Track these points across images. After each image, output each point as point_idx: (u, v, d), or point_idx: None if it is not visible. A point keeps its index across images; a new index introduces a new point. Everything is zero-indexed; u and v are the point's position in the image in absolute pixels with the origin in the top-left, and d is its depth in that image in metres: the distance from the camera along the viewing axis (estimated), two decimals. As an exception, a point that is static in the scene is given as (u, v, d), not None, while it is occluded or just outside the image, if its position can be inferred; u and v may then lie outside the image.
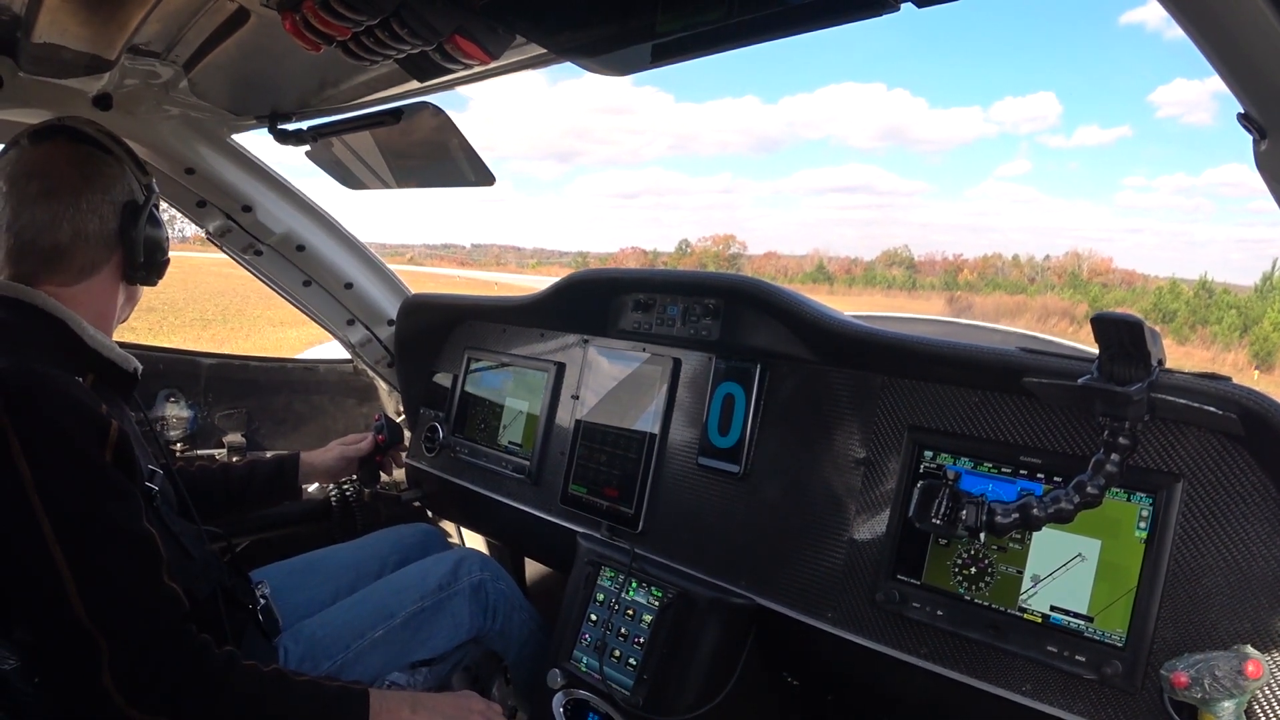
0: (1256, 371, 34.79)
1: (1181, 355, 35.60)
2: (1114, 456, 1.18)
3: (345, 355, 2.93)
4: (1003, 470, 1.46)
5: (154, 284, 1.58)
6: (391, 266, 2.76)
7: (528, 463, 2.26)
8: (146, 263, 1.51)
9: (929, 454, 1.55)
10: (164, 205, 1.94)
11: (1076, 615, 1.35)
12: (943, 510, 1.26)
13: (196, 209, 2.34)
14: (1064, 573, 1.37)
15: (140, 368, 1.54)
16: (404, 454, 2.59)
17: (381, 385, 2.96)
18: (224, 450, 2.63)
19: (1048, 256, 78.58)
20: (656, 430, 1.98)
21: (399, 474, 2.67)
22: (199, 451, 2.59)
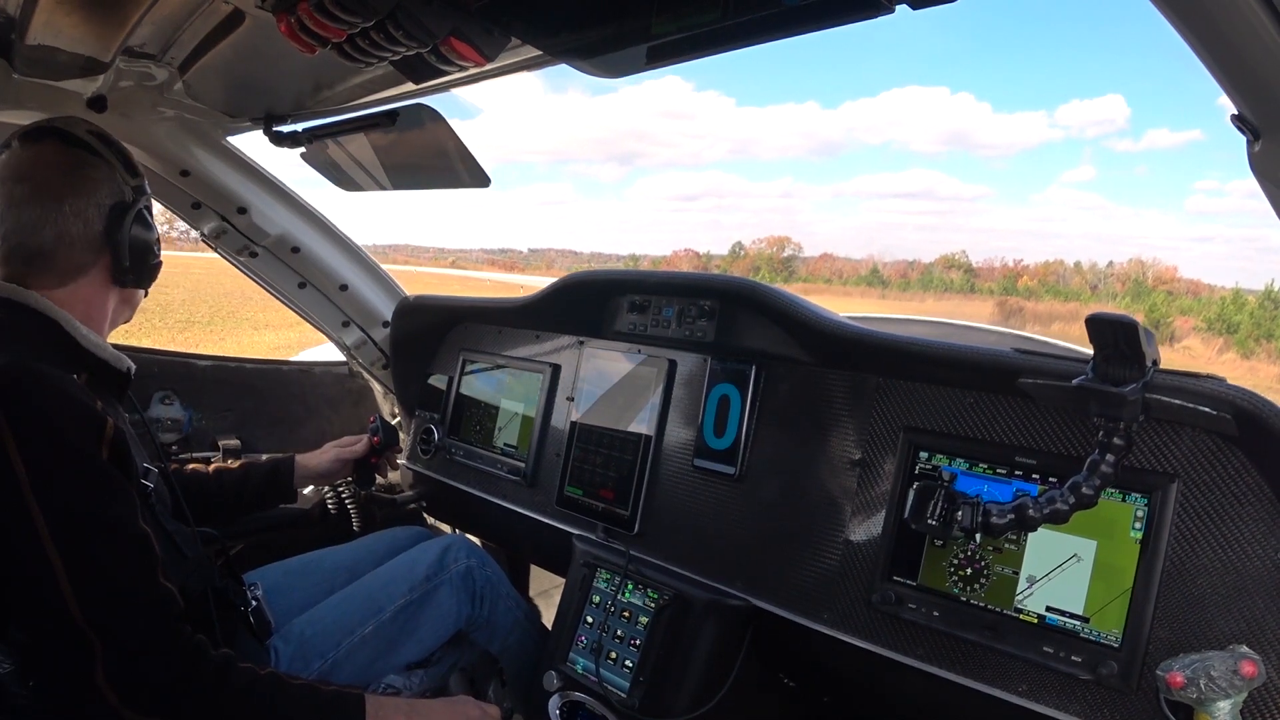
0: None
1: (1245, 371, 33.80)
2: (1109, 457, 1.19)
3: (341, 357, 2.93)
4: (998, 471, 1.46)
5: (145, 287, 1.56)
6: (409, 268, 2.75)
7: (523, 465, 2.26)
8: (134, 266, 1.48)
9: (924, 455, 1.55)
10: (159, 207, 1.93)
11: (1072, 616, 1.35)
12: (938, 511, 1.26)
13: (191, 211, 2.34)
14: (1059, 573, 1.37)
15: (133, 367, 1.53)
16: (399, 456, 2.58)
17: (377, 387, 2.96)
18: (219, 453, 2.62)
19: (1110, 263, 77.23)
20: (652, 432, 1.98)
21: (394, 476, 2.67)
22: (193, 454, 2.58)
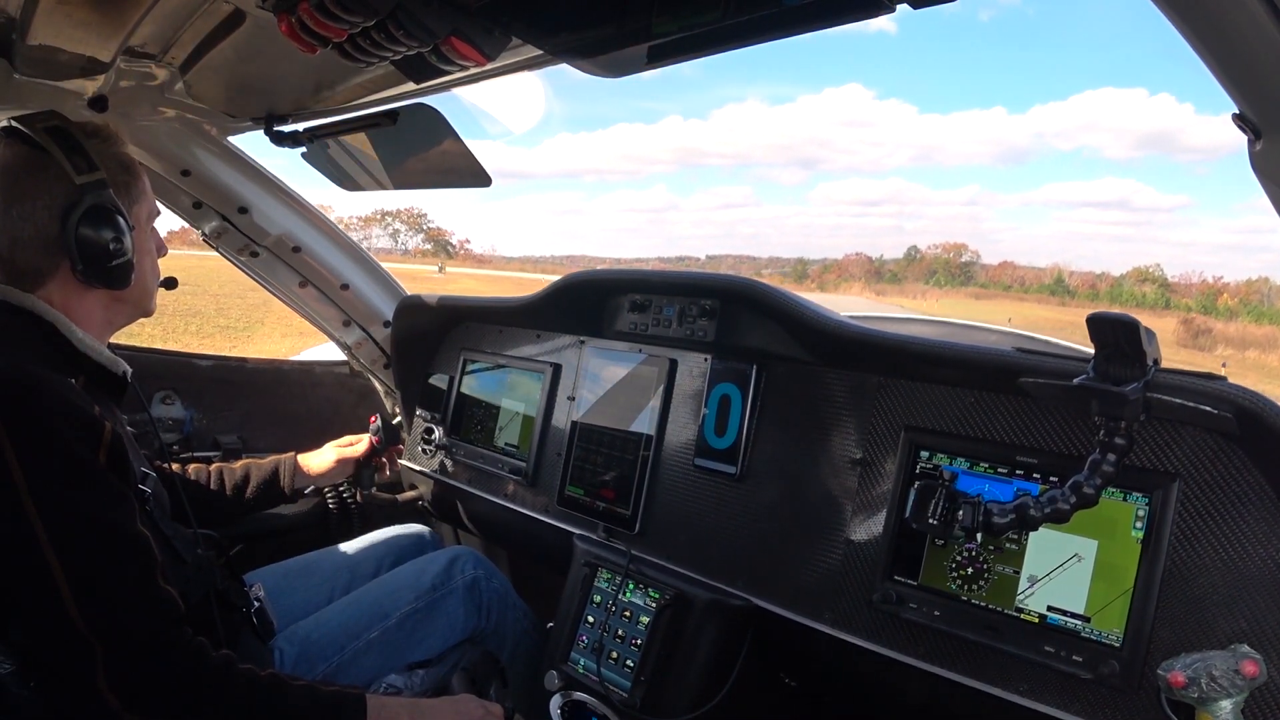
0: None
1: None
2: (1110, 456, 1.19)
3: (342, 357, 2.93)
4: (999, 470, 1.46)
5: (116, 287, 1.47)
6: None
7: (524, 464, 2.26)
8: (90, 267, 1.41)
9: (925, 454, 1.55)
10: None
11: (1073, 615, 1.35)
12: (939, 511, 1.26)
13: (193, 210, 2.34)
14: (1061, 573, 1.37)
15: (130, 371, 1.52)
16: (400, 456, 2.58)
17: (378, 387, 2.96)
18: (219, 452, 2.62)
19: (1326, 284, 70.55)
20: (653, 431, 1.98)
21: (395, 476, 2.67)
22: (194, 454, 2.58)
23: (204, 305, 21.53)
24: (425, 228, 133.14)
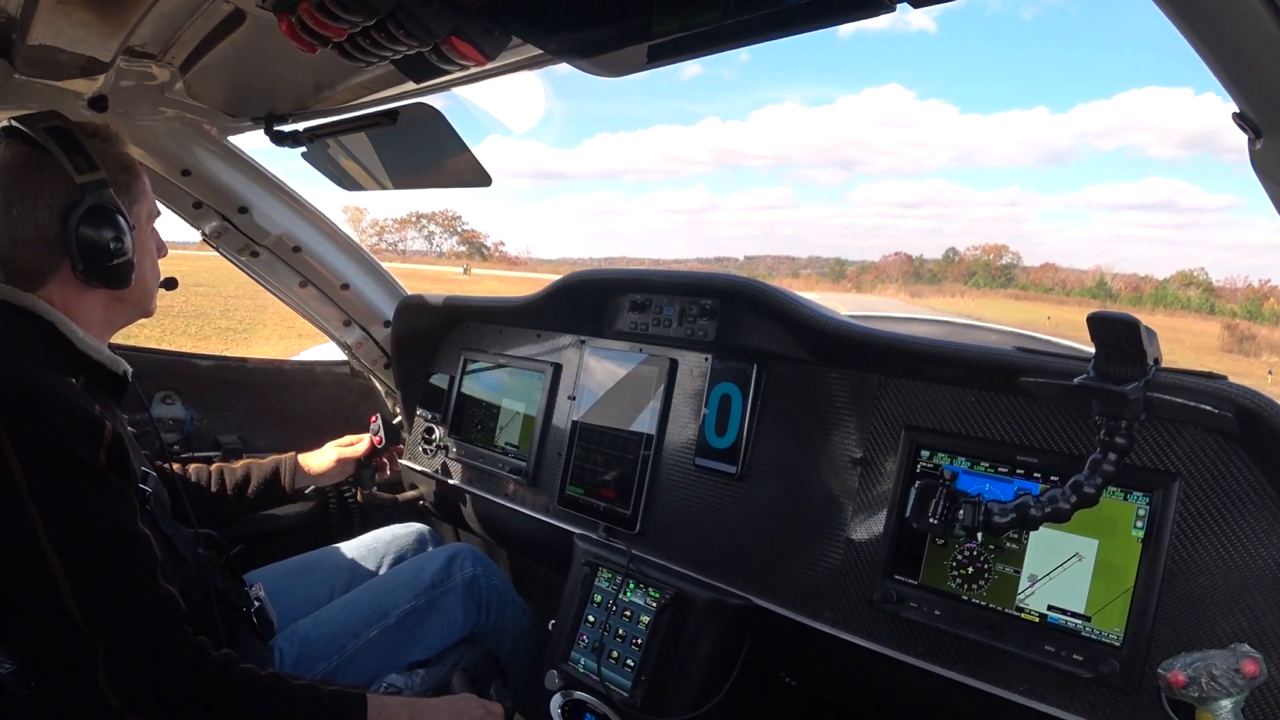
0: None
1: None
2: (1111, 456, 1.18)
3: (342, 356, 2.93)
4: (1000, 470, 1.46)
5: (116, 287, 1.47)
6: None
7: (524, 464, 2.26)
8: (91, 266, 1.41)
9: (926, 454, 1.55)
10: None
11: (1074, 614, 1.35)
12: (939, 510, 1.26)
13: (193, 210, 2.34)
14: (1061, 572, 1.37)
15: (130, 370, 1.53)
16: (401, 456, 2.58)
17: (378, 386, 2.96)
18: (220, 453, 2.62)
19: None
20: (653, 431, 1.98)
21: (396, 475, 2.67)
22: (195, 454, 2.58)
23: (211, 306, 21.50)
24: (460, 230, 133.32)
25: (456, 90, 1.73)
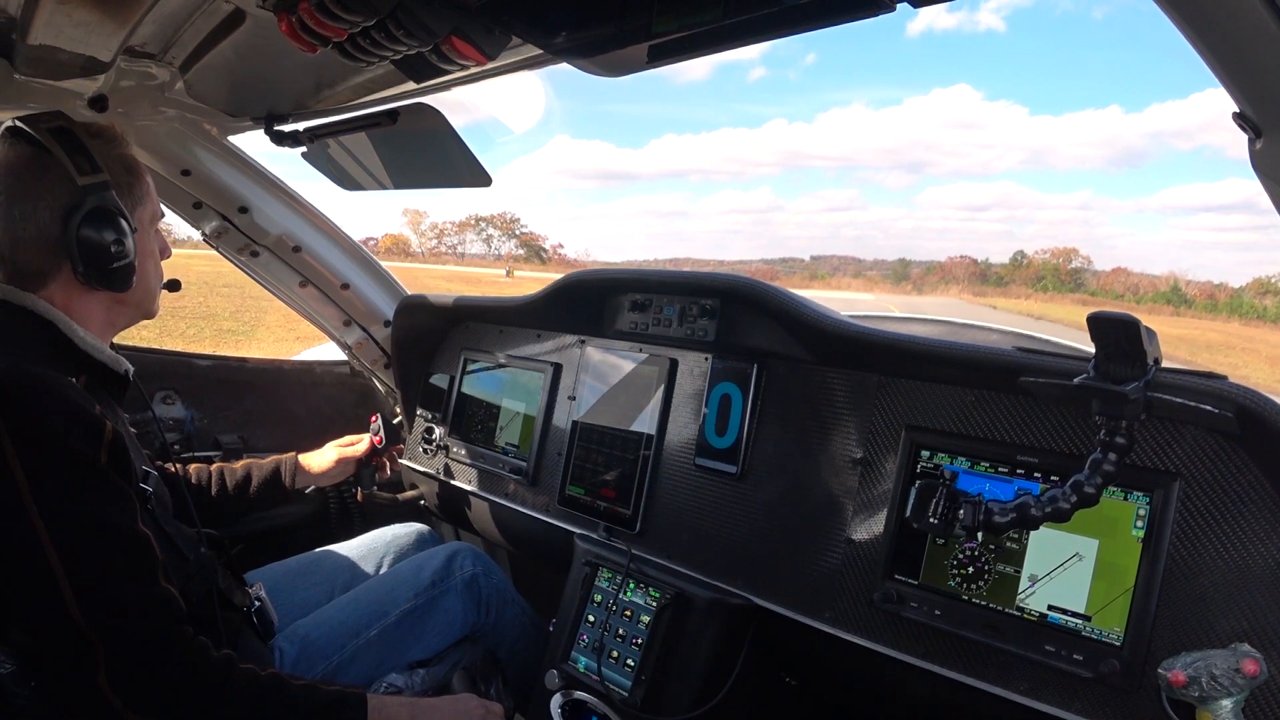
0: None
1: None
2: (1111, 455, 1.18)
3: (342, 356, 2.93)
4: (1000, 470, 1.46)
5: (117, 289, 1.47)
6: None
7: (525, 464, 2.26)
8: (91, 268, 1.41)
9: (926, 453, 1.55)
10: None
11: (1074, 614, 1.35)
12: (940, 510, 1.26)
13: (193, 210, 2.34)
14: (1061, 572, 1.37)
15: (131, 370, 1.53)
16: (401, 455, 2.58)
17: (378, 386, 2.96)
18: (220, 453, 2.62)
19: None
20: (654, 431, 1.98)
21: (396, 475, 2.67)
22: (195, 454, 2.58)
23: (220, 307, 21.50)
24: (518, 233, 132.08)
25: (457, 90, 1.73)
